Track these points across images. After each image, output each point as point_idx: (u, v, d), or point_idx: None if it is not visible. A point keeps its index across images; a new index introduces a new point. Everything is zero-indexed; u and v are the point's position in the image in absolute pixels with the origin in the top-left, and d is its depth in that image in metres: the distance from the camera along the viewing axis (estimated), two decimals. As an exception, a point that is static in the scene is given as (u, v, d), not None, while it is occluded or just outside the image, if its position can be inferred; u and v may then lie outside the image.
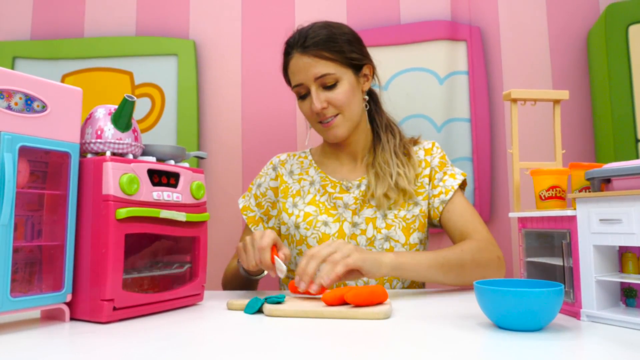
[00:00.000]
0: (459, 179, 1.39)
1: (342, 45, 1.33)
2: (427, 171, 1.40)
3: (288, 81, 1.41)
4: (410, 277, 1.15)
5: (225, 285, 1.40)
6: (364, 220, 1.35)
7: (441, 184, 1.38)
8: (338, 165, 1.45)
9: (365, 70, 1.39)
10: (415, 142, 1.47)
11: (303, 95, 1.34)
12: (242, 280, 1.30)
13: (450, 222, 1.36)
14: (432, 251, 1.21)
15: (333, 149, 1.46)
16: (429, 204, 1.38)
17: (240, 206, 1.49)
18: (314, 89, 1.31)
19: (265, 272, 1.25)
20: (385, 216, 1.34)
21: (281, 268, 1.07)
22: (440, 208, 1.36)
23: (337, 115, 1.33)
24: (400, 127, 1.48)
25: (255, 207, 1.47)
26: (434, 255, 1.18)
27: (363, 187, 1.38)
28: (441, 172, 1.40)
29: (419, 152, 1.43)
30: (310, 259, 1.05)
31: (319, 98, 1.31)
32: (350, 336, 0.78)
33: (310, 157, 1.49)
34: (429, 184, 1.39)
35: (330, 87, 1.31)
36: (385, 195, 1.34)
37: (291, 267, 1.41)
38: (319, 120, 1.35)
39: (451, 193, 1.36)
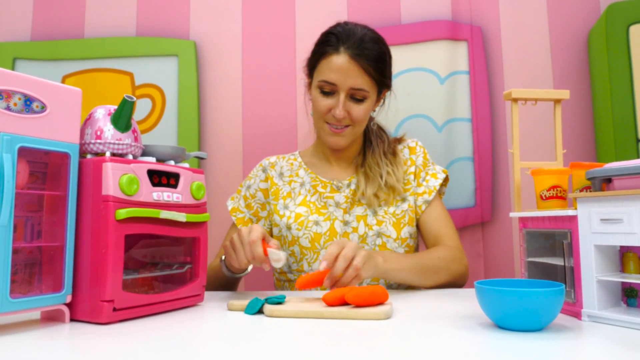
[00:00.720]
0: (440, 178, 1.43)
1: (385, 69, 1.34)
2: (412, 169, 1.44)
3: (312, 68, 1.38)
4: (392, 280, 1.21)
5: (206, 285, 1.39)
6: (355, 218, 1.36)
7: (424, 183, 1.43)
8: (328, 166, 1.47)
9: (384, 92, 1.41)
10: (399, 140, 1.50)
11: (326, 91, 1.32)
12: (224, 280, 1.28)
13: (426, 224, 1.41)
14: (412, 255, 1.26)
15: (324, 151, 1.47)
16: (415, 199, 1.41)
17: (229, 208, 1.48)
18: (342, 96, 1.30)
19: (249, 269, 1.22)
20: (375, 213, 1.36)
21: (277, 257, 1.05)
22: (423, 207, 1.40)
23: (348, 126, 1.34)
24: (387, 129, 1.51)
25: (245, 209, 1.47)
26: (415, 262, 1.24)
27: (353, 186, 1.40)
28: (424, 171, 1.44)
29: (404, 151, 1.47)
30: (342, 261, 1.03)
31: (344, 107, 1.30)
32: (351, 337, 0.78)
33: (299, 159, 1.50)
34: (414, 181, 1.43)
35: (356, 100, 1.31)
36: (375, 195, 1.36)
37: (284, 269, 1.40)
38: (328, 122, 1.34)
39: (434, 194, 1.41)
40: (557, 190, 1.01)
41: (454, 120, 1.79)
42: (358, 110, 1.32)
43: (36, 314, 0.92)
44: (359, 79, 1.28)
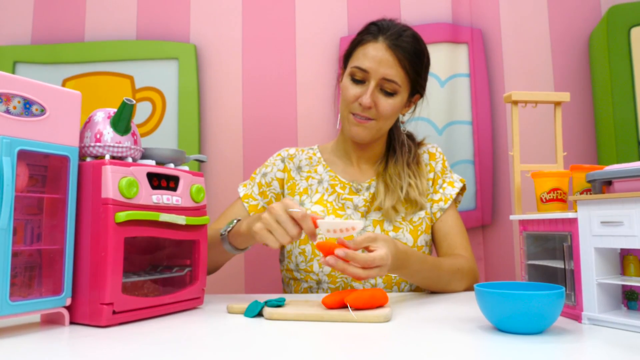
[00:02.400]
0: (457, 187, 1.42)
1: (420, 67, 1.33)
2: (431, 175, 1.43)
3: (347, 56, 1.36)
4: (405, 278, 1.21)
5: None
6: (371, 222, 1.34)
7: (441, 190, 1.42)
8: (348, 165, 1.44)
9: (415, 98, 1.40)
10: (419, 144, 1.48)
11: (357, 79, 1.30)
12: (222, 254, 1.22)
13: (440, 232, 1.39)
14: (433, 262, 1.22)
15: (346, 148, 1.44)
16: (431, 206, 1.39)
17: (241, 194, 1.42)
18: (372, 85, 1.27)
19: (249, 247, 1.16)
20: (392, 219, 1.34)
21: (351, 224, 0.96)
22: (438, 215, 1.39)
23: (372, 119, 1.31)
24: (416, 137, 1.49)
25: (258, 196, 1.42)
26: (435, 273, 1.22)
27: (372, 190, 1.38)
28: (442, 178, 1.43)
29: (423, 156, 1.45)
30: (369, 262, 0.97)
31: (372, 95, 1.27)
32: (351, 339, 0.78)
33: (319, 154, 1.47)
34: (431, 187, 1.42)
35: (385, 93, 1.29)
36: (394, 208, 1.34)
37: (290, 266, 1.36)
38: (354, 112, 1.31)
39: (450, 202, 1.40)
40: (557, 192, 1.01)
41: (455, 123, 1.79)
42: (386, 104, 1.29)
43: (36, 317, 0.92)
44: (392, 70, 1.27)
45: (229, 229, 1.17)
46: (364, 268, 0.98)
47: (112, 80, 1.81)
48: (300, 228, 1.00)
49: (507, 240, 1.74)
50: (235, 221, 1.18)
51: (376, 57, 1.27)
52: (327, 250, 0.97)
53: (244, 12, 1.86)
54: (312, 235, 1.00)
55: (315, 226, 0.99)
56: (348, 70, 1.32)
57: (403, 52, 1.27)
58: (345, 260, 0.96)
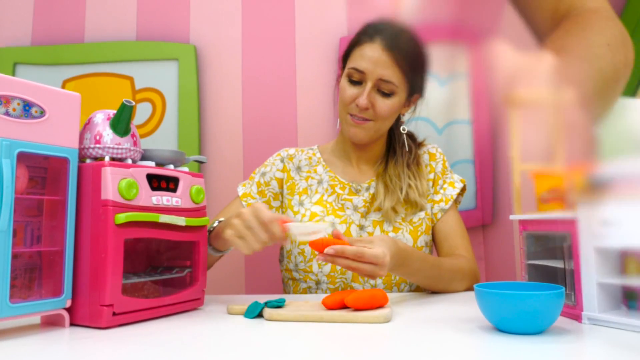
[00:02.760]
0: (458, 188, 1.42)
1: (419, 68, 1.32)
2: (431, 175, 1.42)
3: (345, 58, 1.35)
4: (406, 278, 1.23)
5: None
6: (371, 223, 1.34)
7: (442, 191, 1.41)
8: (348, 166, 1.44)
9: (415, 97, 1.39)
10: (420, 145, 1.48)
11: (354, 80, 1.29)
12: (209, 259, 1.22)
13: (441, 232, 1.39)
14: (434, 262, 1.22)
15: (345, 148, 1.44)
16: (432, 207, 1.39)
17: (240, 193, 1.42)
18: (369, 86, 1.26)
19: (231, 248, 1.15)
20: (392, 220, 1.34)
21: (313, 229, 0.98)
22: (439, 215, 1.39)
23: (370, 120, 1.31)
24: (417, 137, 1.48)
25: (257, 195, 1.42)
26: (436, 272, 1.22)
27: (372, 190, 1.38)
28: (442, 178, 1.43)
29: (423, 156, 1.45)
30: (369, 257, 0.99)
31: (368, 96, 1.27)
32: (351, 340, 0.78)
33: (318, 154, 1.46)
34: (432, 188, 1.41)
35: (382, 93, 1.28)
36: (393, 209, 1.33)
37: (289, 266, 1.36)
38: (351, 113, 1.31)
39: (450, 202, 1.39)
40: (557, 192, 1.01)
41: (455, 123, 1.79)
42: (383, 104, 1.28)
43: (36, 319, 0.92)
44: (389, 70, 1.26)
45: (210, 229, 1.17)
46: (354, 261, 0.99)
47: (112, 81, 1.82)
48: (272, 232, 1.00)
49: (507, 240, 1.74)
50: (217, 222, 1.17)
51: (372, 57, 1.26)
52: (319, 247, 0.99)
53: (244, 12, 1.86)
54: (282, 239, 1.01)
55: (284, 230, 1.00)
56: (345, 71, 1.32)
57: (400, 53, 1.26)
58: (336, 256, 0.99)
